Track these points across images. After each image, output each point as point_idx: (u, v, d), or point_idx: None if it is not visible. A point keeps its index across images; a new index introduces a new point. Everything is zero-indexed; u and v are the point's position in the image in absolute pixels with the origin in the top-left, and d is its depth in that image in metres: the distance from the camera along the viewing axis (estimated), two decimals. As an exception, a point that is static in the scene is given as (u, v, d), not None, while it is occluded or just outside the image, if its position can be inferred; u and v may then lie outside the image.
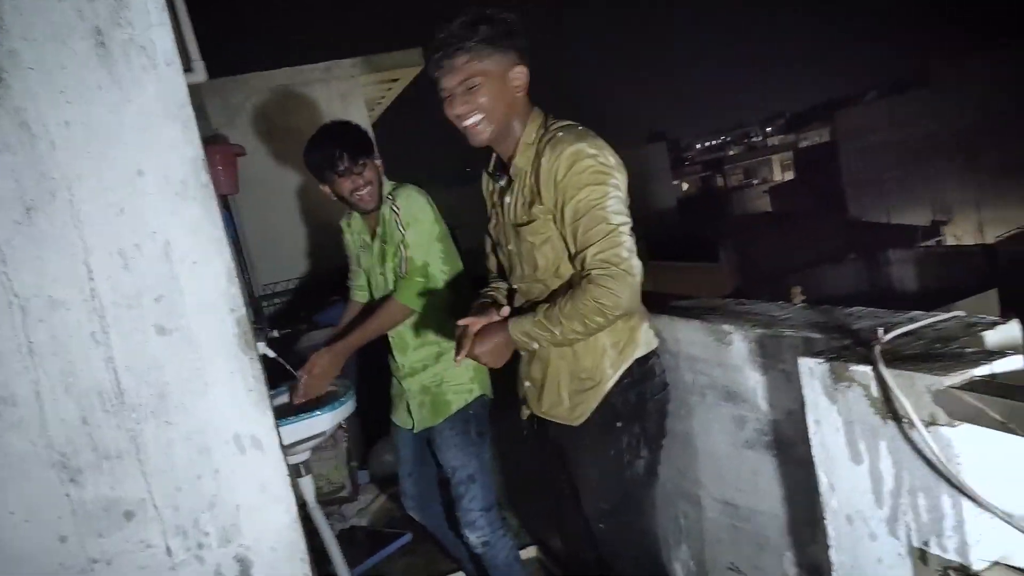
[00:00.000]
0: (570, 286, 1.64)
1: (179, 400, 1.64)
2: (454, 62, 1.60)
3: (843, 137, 27.32)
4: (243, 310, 1.70)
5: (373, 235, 2.41)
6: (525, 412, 1.91)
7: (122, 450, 1.60)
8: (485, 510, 2.30)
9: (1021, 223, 17.93)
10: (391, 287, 2.33)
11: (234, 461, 1.69)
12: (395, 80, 5.64)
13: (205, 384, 1.66)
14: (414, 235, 2.26)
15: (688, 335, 1.85)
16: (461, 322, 1.72)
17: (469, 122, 1.67)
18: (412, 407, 2.41)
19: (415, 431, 2.43)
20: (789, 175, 37.89)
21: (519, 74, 1.65)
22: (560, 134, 1.60)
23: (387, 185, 2.39)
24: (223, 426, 1.68)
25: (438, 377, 2.37)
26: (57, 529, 1.56)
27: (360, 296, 2.61)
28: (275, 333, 3.21)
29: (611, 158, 1.60)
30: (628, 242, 1.54)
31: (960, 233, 21.45)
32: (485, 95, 1.62)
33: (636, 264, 1.53)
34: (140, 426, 1.61)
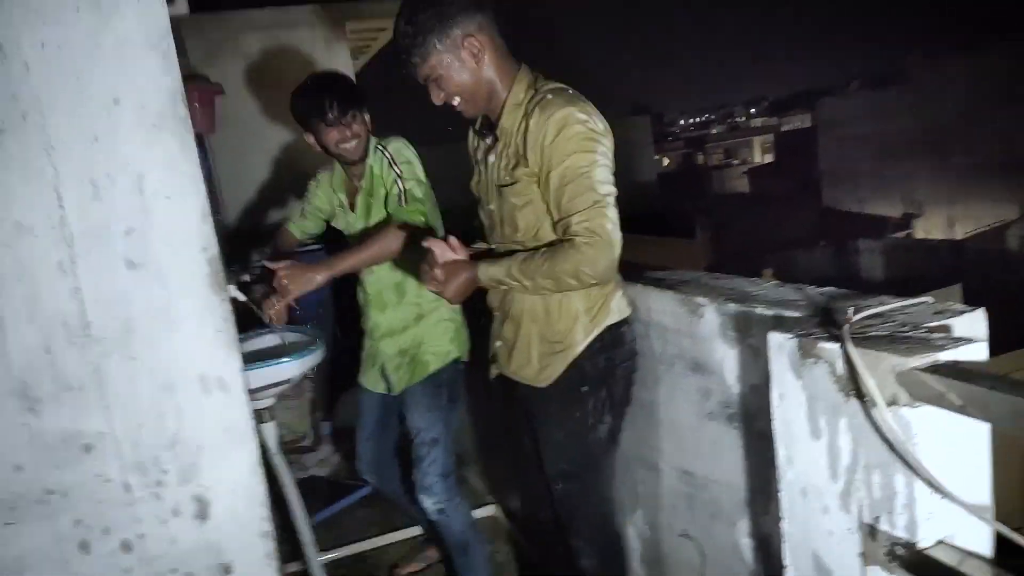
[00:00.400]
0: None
1: (145, 335, 1.62)
2: (412, 66, 1.66)
3: (823, 125, 27.50)
4: (216, 249, 1.68)
5: (354, 194, 2.37)
6: (494, 371, 1.92)
7: (84, 382, 1.58)
8: (443, 476, 2.27)
9: (989, 221, 18.24)
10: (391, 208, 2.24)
11: (198, 401, 1.67)
12: (382, 30, 5.53)
13: (172, 321, 1.64)
14: (410, 172, 2.21)
15: (660, 305, 1.86)
16: (429, 243, 1.71)
17: (453, 104, 1.72)
18: (388, 369, 2.39)
19: (393, 393, 2.40)
20: (769, 158, 38.08)
21: (471, 46, 1.63)
22: (549, 97, 1.59)
23: (372, 140, 2.34)
24: (188, 365, 1.66)
25: (417, 338, 2.34)
26: (13, 458, 1.54)
27: (294, 229, 2.57)
28: (247, 277, 3.17)
29: (600, 124, 1.59)
30: (613, 214, 1.55)
31: (930, 228, 21.80)
32: (448, 82, 1.66)
33: (618, 236, 1.54)
34: (104, 360, 1.59)
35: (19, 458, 1.54)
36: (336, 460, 3.76)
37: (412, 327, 2.34)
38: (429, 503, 2.26)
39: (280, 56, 4.77)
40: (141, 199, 1.60)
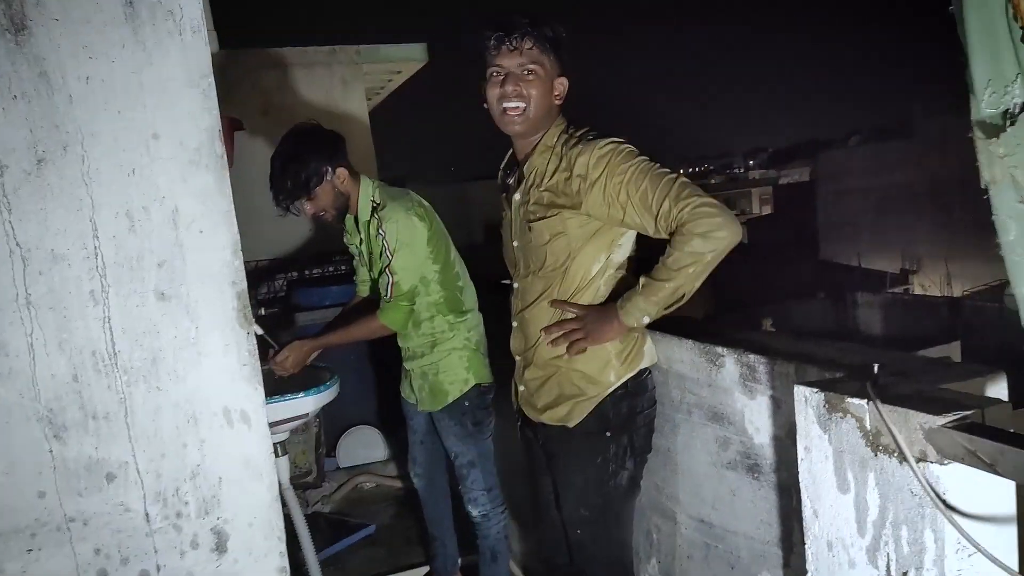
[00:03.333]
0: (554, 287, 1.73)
1: (172, 367, 1.63)
2: (521, 44, 1.65)
3: (823, 178, 27.78)
4: (244, 284, 1.70)
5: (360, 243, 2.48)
6: (518, 416, 1.94)
7: (110, 411, 1.59)
8: (486, 490, 2.49)
9: (987, 280, 18.34)
10: (382, 292, 2.37)
11: (221, 433, 1.68)
12: (397, 72, 5.63)
13: (199, 354, 1.66)
14: (402, 261, 2.28)
15: (680, 354, 1.88)
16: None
17: (511, 105, 1.70)
18: (415, 387, 2.52)
19: (419, 409, 2.54)
20: (768, 209, 38.40)
21: (561, 83, 1.72)
22: (591, 137, 1.68)
23: (370, 186, 2.39)
24: (213, 397, 1.67)
25: (434, 366, 2.44)
26: (37, 484, 1.54)
27: (362, 290, 2.67)
28: (262, 311, 3.20)
29: None
30: (695, 185, 1.58)
31: (928, 284, 21.90)
32: (535, 87, 1.68)
33: (714, 198, 1.58)
34: (130, 389, 1.60)
35: (43, 484, 1.54)
36: (339, 496, 3.73)
37: (428, 354, 2.45)
38: (474, 511, 2.50)
39: (296, 93, 4.85)
40: (175, 232, 1.63)
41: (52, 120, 1.54)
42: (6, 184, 1.51)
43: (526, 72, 1.67)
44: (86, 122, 1.57)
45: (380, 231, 2.29)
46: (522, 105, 1.69)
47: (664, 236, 1.62)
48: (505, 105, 1.69)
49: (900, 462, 1.16)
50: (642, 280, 1.63)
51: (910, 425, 1.15)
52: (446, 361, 2.42)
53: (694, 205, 1.54)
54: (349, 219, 2.49)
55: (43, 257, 1.54)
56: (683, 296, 1.62)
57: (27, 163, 1.52)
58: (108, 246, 1.58)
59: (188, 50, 1.64)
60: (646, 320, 1.66)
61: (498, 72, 1.68)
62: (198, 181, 1.65)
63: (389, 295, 2.30)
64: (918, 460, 1.13)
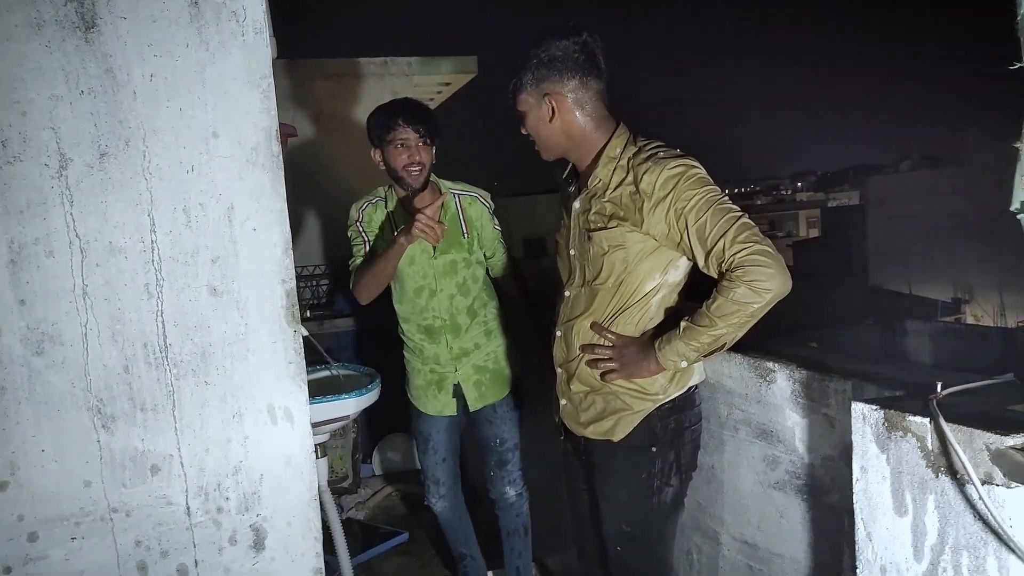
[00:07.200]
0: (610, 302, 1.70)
1: (220, 362, 1.65)
2: (509, 91, 1.78)
3: (873, 203, 27.26)
4: (293, 283, 1.71)
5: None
6: (559, 430, 1.91)
7: (158, 404, 1.61)
8: (521, 470, 2.59)
9: (1042, 311, 17.78)
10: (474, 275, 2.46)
11: (264, 430, 1.69)
12: (447, 84, 5.68)
13: (247, 350, 1.67)
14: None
15: (728, 369, 1.84)
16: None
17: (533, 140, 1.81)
18: (466, 389, 2.47)
19: (472, 410, 2.49)
20: (815, 232, 37.77)
21: (549, 103, 1.71)
22: (661, 154, 1.64)
23: (442, 181, 2.46)
24: (259, 394, 1.68)
25: (492, 355, 2.49)
26: (83, 473, 1.56)
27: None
28: (307, 313, 3.22)
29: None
30: (756, 228, 1.55)
31: (980, 314, 21.29)
32: (528, 126, 1.78)
33: (769, 242, 1.53)
34: (179, 382, 1.62)
35: (89, 474, 1.56)
36: (374, 503, 3.74)
37: (484, 345, 2.47)
38: (512, 492, 2.58)
39: (346, 104, 4.92)
40: (230, 229, 1.65)
41: (116, 116, 1.58)
42: (69, 177, 1.54)
43: (519, 112, 1.77)
44: (148, 118, 1.60)
45: (486, 203, 2.50)
46: (534, 141, 1.79)
47: (712, 274, 1.58)
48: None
49: (963, 484, 1.11)
50: (683, 324, 1.59)
51: (975, 445, 1.10)
52: (502, 347, 2.51)
53: (748, 252, 1.50)
54: (392, 201, 2.46)
55: (101, 249, 1.57)
56: (724, 345, 1.58)
57: (90, 157, 1.56)
58: (164, 240, 1.61)
59: (250, 50, 1.67)
60: (683, 364, 1.63)
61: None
62: (254, 180, 1.67)
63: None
64: (983, 482, 1.08)
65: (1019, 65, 1.11)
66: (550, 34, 1.69)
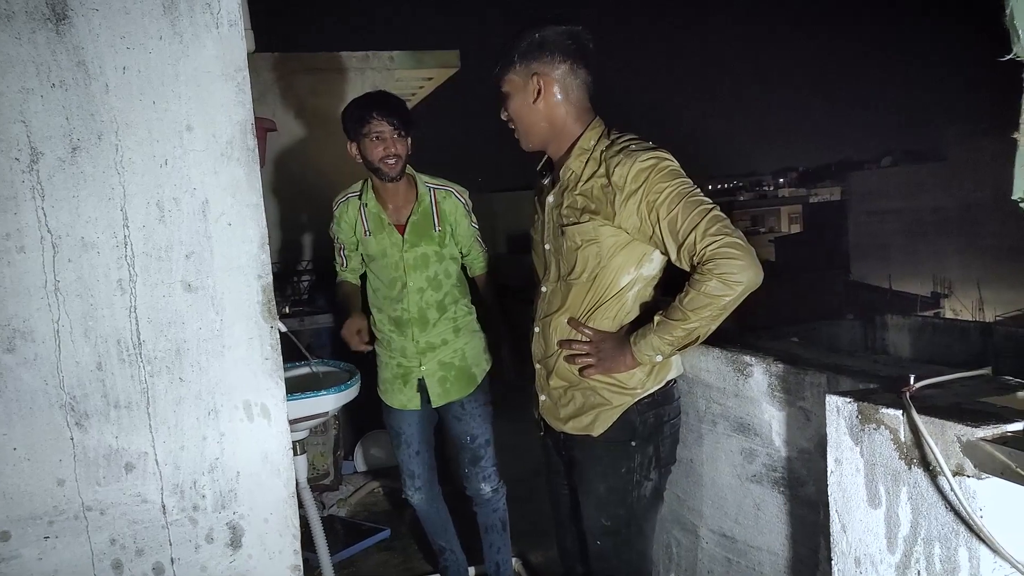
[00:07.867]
0: (589, 298, 1.69)
1: (195, 358, 1.63)
2: (495, 71, 1.75)
3: (854, 198, 27.48)
4: (270, 278, 1.70)
5: (399, 216, 2.43)
6: (539, 425, 1.91)
7: (132, 401, 1.59)
8: (495, 466, 2.59)
9: (1021, 305, 17.99)
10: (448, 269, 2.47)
11: (240, 427, 1.68)
12: (429, 79, 5.65)
13: (223, 346, 1.65)
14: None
15: (706, 363, 1.84)
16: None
17: (510, 127, 1.78)
18: (430, 384, 2.46)
19: (434, 405, 2.49)
20: (796, 228, 38.03)
21: (536, 84, 1.69)
22: (632, 147, 1.62)
23: (419, 174, 2.46)
24: (234, 391, 1.67)
25: (460, 352, 2.48)
26: (57, 472, 1.54)
27: (351, 278, 2.63)
28: (286, 310, 3.20)
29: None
30: (727, 220, 1.54)
31: (959, 308, 21.52)
32: (511, 108, 1.74)
33: (741, 234, 1.53)
34: (153, 379, 1.60)
35: (62, 472, 1.54)
36: (355, 500, 3.72)
37: (451, 341, 2.47)
38: (487, 488, 2.58)
39: (328, 98, 4.88)
40: (204, 224, 1.63)
41: (88, 109, 1.55)
42: (40, 171, 1.52)
43: (502, 95, 1.75)
44: (121, 111, 1.58)
45: (461, 199, 2.52)
46: (513, 125, 1.77)
47: (684, 267, 1.58)
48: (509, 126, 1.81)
49: (935, 476, 1.12)
50: (657, 318, 1.59)
51: (947, 437, 1.11)
52: (470, 345, 2.50)
53: (719, 244, 1.50)
54: (368, 194, 2.47)
55: (73, 244, 1.55)
56: (697, 338, 1.58)
57: (62, 151, 1.54)
58: (138, 236, 1.59)
59: (224, 43, 1.65)
60: (659, 359, 1.63)
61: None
62: (229, 174, 1.66)
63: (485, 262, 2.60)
64: (955, 474, 1.09)
65: (1008, 57, 1.11)
66: (545, 20, 1.70)
